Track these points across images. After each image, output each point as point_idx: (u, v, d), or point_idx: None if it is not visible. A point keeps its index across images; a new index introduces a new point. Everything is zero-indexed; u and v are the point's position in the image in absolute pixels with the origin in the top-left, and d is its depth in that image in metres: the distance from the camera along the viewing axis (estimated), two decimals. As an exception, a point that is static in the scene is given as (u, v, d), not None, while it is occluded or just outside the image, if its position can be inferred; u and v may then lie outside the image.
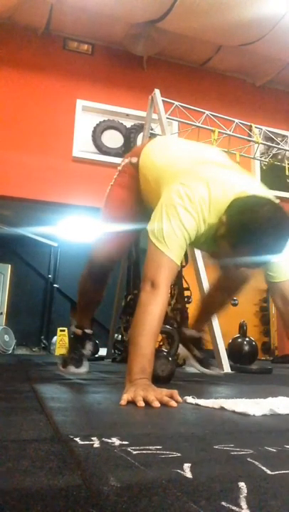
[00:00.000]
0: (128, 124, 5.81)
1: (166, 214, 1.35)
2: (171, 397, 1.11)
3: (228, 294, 1.95)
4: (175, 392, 1.14)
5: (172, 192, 1.38)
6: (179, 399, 1.13)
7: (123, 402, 1.09)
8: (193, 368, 1.98)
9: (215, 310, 2.05)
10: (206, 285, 3.04)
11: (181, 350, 2.01)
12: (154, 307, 1.27)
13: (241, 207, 1.31)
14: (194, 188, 1.36)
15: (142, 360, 1.21)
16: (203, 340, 2.01)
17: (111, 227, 1.79)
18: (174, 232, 1.33)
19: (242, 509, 0.42)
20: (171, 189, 1.40)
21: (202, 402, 1.15)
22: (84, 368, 1.93)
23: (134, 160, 1.76)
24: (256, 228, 1.25)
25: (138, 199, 1.77)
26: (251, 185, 1.48)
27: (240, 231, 1.29)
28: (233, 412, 1.03)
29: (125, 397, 1.10)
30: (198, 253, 3.11)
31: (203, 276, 3.00)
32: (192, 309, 2.84)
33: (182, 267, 3.03)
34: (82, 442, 0.68)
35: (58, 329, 7.20)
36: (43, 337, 7.73)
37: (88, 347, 1.98)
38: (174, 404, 1.07)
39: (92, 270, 1.86)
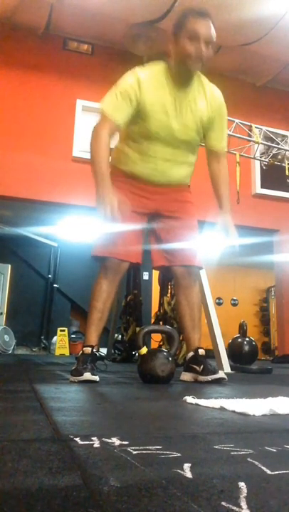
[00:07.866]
0: (128, 124, 5.80)
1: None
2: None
3: (186, 301, 2.07)
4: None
5: None
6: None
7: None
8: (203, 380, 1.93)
9: (190, 323, 2.05)
10: (206, 285, 3.04)
11: (187, 376, 1.99)
12: (100, 134, 1.86)
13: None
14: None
15: (100, 175, 1.79)
16: (198, 352, 1.98)
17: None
18: (110, 96, 1.88)
19: (242, 509, 0.41)
20: None
21: (202, 402, 1.15)
22: (97, 377, 1.76)
23: None
24: (186, 8, 1.90)
25: None
26: None
27: (177, 19, 1.90)
28: (233, 412, 1.03)
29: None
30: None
31: (204, 277, 3.00)
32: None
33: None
34: (82, 442, 0.68)
35: (58, 329, 7.20)
36: (43, 337, 7.73)
37: (96, 376, 1.77)
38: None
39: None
